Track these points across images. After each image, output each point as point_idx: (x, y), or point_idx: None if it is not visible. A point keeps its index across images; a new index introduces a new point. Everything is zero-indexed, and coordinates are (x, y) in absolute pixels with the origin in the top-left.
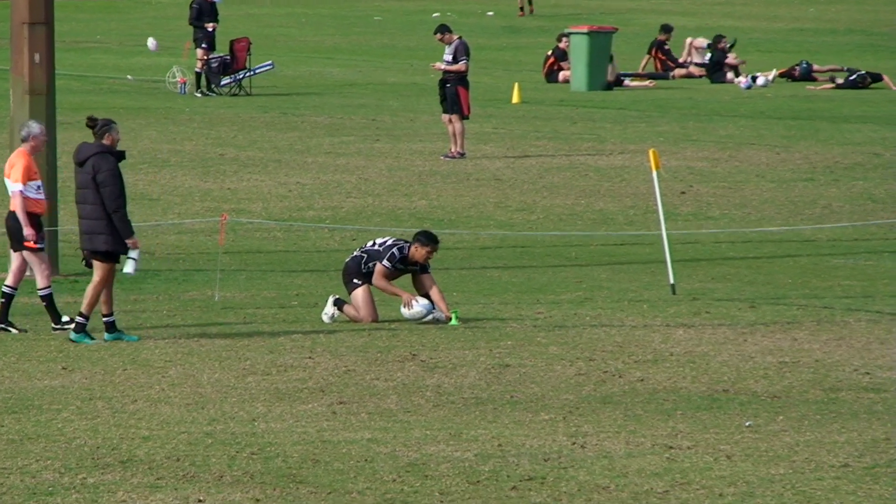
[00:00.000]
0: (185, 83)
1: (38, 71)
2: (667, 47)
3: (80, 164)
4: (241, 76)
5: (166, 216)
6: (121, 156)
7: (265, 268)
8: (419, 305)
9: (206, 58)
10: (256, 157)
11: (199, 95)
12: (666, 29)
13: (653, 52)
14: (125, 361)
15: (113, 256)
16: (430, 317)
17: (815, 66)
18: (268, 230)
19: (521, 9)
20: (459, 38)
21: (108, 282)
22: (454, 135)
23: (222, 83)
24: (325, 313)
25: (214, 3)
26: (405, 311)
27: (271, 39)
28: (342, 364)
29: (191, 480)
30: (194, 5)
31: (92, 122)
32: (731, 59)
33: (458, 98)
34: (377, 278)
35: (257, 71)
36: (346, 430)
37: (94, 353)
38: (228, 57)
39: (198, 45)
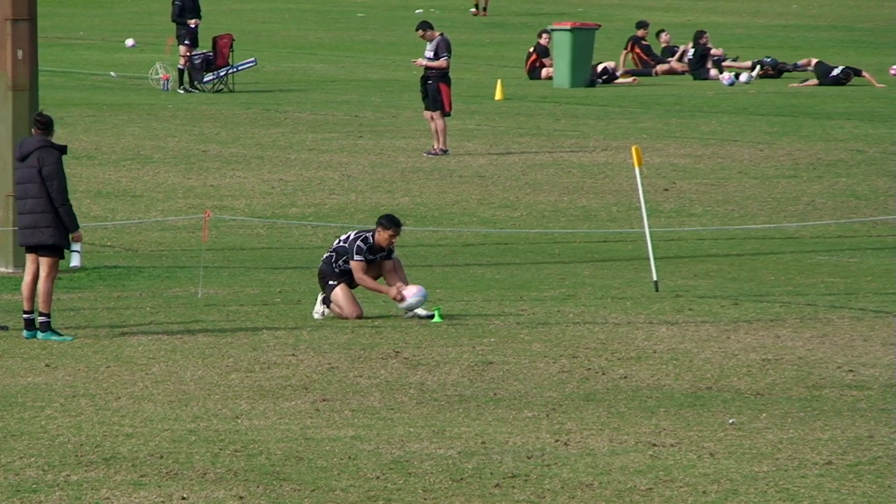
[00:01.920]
0: (168, 80)
1: (21, 67)
2: (645, 43)
3: (23, 158)
4: (223, 73)
5: (149, 213)
6: (63, 150)
7: (248, 265)
8: (411, 295)
9: (188, 54)
10: (239, 153)
11: (182, 92)
12: (642, 25)
13: (629, 47)
14: (108, 358)
15: (58, 250)
16: (422, 298)
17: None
18: (251, 227)
19: (478, 7)
20: (441, 34)
21: (53, 276)
22: (436, 132)
23: (205, 80)
24: (316, 311)
25: None
26: (402, 305)
27: (254, 35)
28: (325, 361)
29: (174, 477)
30: (177, 2)
31: (41, 118)
32: (715, 51)
33: (439, 95)
34: (358, 275)
35: (240, 68)
36: (329, 428)
37: (77, 351)
38: (211, 53)
39: (180, 42)
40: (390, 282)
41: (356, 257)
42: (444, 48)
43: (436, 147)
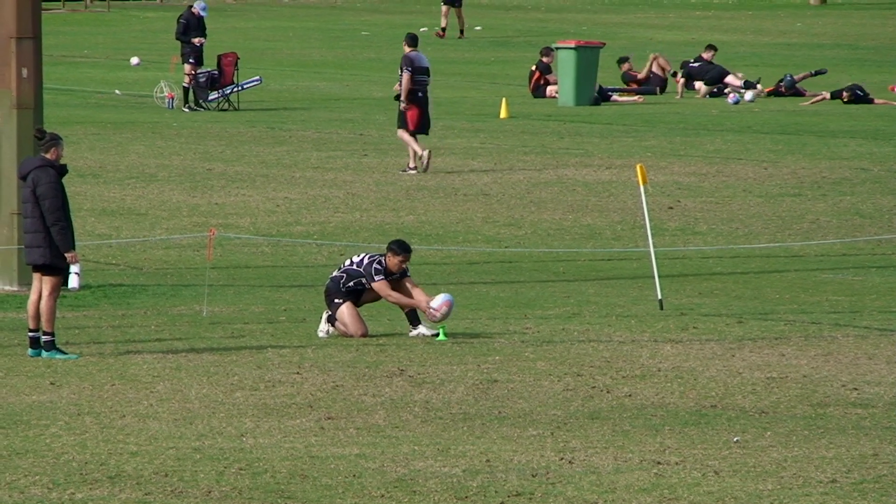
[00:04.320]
0: (172, 98)
1: (25, 85)
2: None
3: (23, 178)
4: (228, 91)
5: (154, 231)
6: (63, 170)
7: (253, 283)
8: (441, 305)
9: (193, 73)
10: (244, 171)
11: (186, 110)
12: None
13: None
14: (113, 377)
15: (56, 270)
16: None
17: (797, 76)
18: (256, 245)
19: (444, 30)
20: (411, 50)
21: (55, 296)
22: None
23: (210, 98)
24: (321, 330)
25: (202, 17)
26: (434, 321)
27: (258, 53)
28: (330, 379)
29: (179, 496)
30: (181, 20)
31: (40, 134)
32: (735, 79)
33: (405, 113)
34: (385, 293)
35: (245, 86)
36: (334, 446)
37: (81, 369)
38: (216, 72)
39: (185, 60)
40: (416, 296)
41: (377, 278)
42: (402, 64)
43: (410, 164)
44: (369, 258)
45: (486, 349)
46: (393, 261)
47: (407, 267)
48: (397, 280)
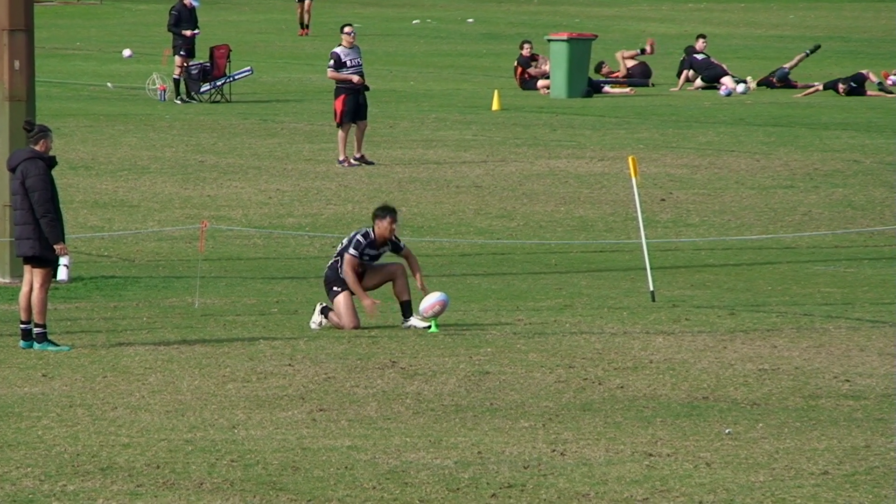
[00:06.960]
0: (164, 90)
1: (17, 77)
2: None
3: (12, 170)
4: (220, 83)
5: (146, 223)
6: (52, 162)
7: (245, 275)
8: (434, 304)
9: (184, 65)
10: (236, 163)
11: (178, 102)
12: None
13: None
14: (105, 368)
15: (47, 262)
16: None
17: (792, 61)
18: (248, 237)
19: (302, 25)
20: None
21: (45, 287)
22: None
23: (202, 90)
24: (314, 321)
25: (194, 8)
26: (427, 316)
27: (250, 45)
28: (322, 371)
29: (171, 488)
30: (173, 11)
31: (29, 126)
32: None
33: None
34: (345, 269)
35: (236, 77)
36: (326, 438)
37: (73, 361)
38: (208, 64)
39: (176, 52)
40: (398, 289)
41: (351, 251)
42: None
43: (342, 157)
44: (355, 232)
45: (478, 341)
46: (381, 225)
47: (398, 238)
48: (392, 252)
